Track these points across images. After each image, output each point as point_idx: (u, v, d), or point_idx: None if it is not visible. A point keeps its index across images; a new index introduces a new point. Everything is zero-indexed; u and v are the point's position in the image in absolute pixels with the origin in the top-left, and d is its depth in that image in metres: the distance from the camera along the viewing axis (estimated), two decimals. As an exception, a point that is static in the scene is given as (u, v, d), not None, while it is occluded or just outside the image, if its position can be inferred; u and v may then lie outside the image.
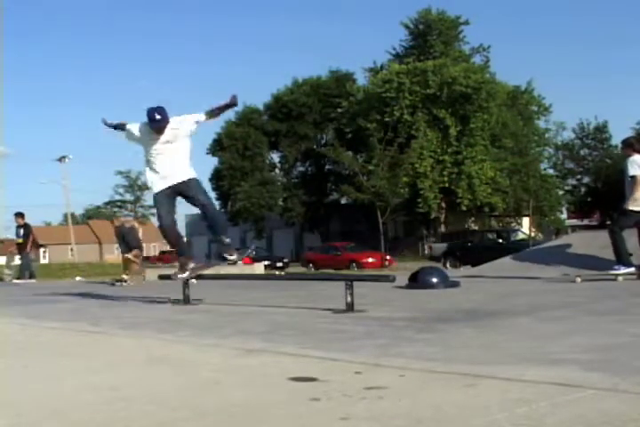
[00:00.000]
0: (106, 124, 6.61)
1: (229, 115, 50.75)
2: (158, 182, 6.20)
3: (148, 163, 6.25)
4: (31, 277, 14.71)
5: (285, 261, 37.15)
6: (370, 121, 39.91)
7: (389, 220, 38.24)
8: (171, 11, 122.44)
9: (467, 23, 44.93)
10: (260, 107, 48.76)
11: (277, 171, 50.19)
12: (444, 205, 40.74)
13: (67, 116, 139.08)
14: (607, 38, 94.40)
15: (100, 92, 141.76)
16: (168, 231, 6.32)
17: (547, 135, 44.50)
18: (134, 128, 6.27)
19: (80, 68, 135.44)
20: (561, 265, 9.08)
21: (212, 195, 49.90)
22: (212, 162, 49.47)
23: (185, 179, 6.20)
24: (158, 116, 6.00)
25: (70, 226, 60.25)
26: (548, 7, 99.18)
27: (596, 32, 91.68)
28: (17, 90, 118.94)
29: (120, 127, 6.48)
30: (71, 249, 59.07)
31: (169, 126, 6.07)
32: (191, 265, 6.42)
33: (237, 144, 46.36)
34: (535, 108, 43.85)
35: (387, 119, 39.31)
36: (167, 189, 6.18)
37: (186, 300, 6.31)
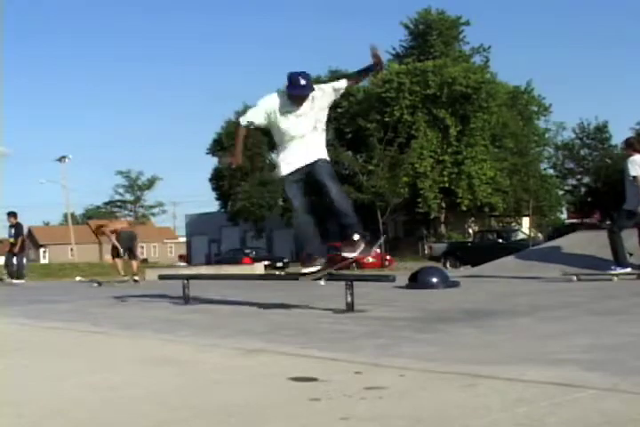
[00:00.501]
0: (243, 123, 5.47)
1: (229, 115, 50.84)
2: (291, 163, 5.29)
3: (282, 142, 5.34)
4: (19, 277, 14.63)
5: (285, 261, 37.17)
6: (370, 121, 39.92)
7: (389, 220, 38.24)
8: (170, 10, 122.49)
9: (467, 23, 44.98)
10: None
11: (277, 171, 50.19)
12: (444, 205, 40.74)
13: (67, 116, 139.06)
14: (607, 38, 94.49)
15: (101, 92, 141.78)
16: (304, 227, 5.47)
17: (547, 135, 44.52)
18: (263, 105, 5.29)
19: (80, 68, 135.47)
20: (561, 265, 9.08)
21: (213, 195, 50.04)
22: (212, 162, 49.55)
23: (318, 159, 5.28)
24: (303, 82, 5.12)
25: (70, 226, 60.28)
26: (549, 7, 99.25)
27: (596, 32, 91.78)
28: (17, 90, 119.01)
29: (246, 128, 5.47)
30: (71, 249, 59.10)
31: (311, 96, 5.20)
32: (318, 265, 5.44)
33: (237, 144, 46.33)
34: (535, 108, 43.87)
35: (387, 119, 39.32)
36: (296, 171, 5.27)
37: (186, 300, 6.31)
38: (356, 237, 5.26)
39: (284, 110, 5.20)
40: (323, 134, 5.40)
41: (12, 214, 15.03)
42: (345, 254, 5.25)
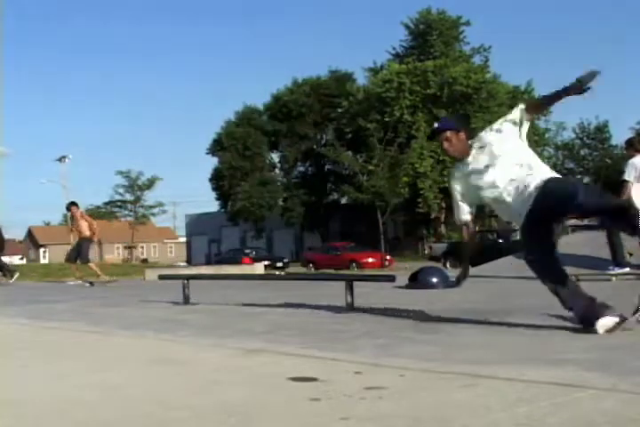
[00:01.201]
0: None
1: (229, 115, 50.89)
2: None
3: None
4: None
5: (285, 261, 37.14)
6: (370, 121, 39.90)
7: (389, 220, 38.23)
8: (170, 10, 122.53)
9: (467, 24, 44.94)
10: (260, 107, 48.79)
11: (277, 171, 50.18)
12: (444, 205, 40.72)
13: (67, 116, 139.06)
14: (607, 38, 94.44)
15: (101, 92, 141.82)
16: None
17: (547, 135, 44.50)
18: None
19: (80, 68, 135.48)
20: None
21: (212, 195, 50.04)
22: (212, 162, 49.51)
23: None
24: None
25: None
26: (549, 7, 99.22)
27: (597, 32, 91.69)
28: (17, 90, 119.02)
29: None
30: (71, 249, 59.02)
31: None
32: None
33: (237, 144, 46.34)
34: (535, 108, 43.81)
35: (387, 119, 39.29)
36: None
37: (186, 300, 6.30)
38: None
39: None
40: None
41: None
42: None
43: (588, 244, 9.37)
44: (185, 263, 50.48)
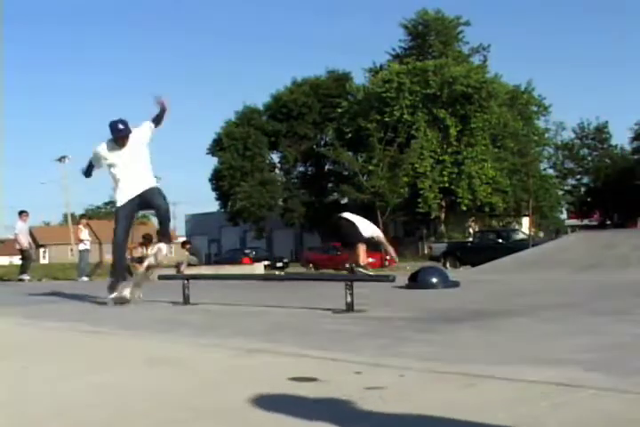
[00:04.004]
0: (84, 173, 6.96)
1: (229, 115, 50.84)
2: (125, 195, 6.50)
3: (116, 176, 6.53)
4: None
5: (285, 261, 37.13)
6: (370, 121, 39.87)
7: (389, 220, 38.21)
8: (169, 8, 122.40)
9: (467, 24, 44.92)
10: (260, 107, 48.79)
11: (277, 171, 50.18)
12: (444, 204, 40.73)
13: (67, 116, 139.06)
14: (607, 38, 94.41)
15: (101, 92, 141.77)
16: (118, 248, 6.66)
17: (546, 135, 44.50)
18: (99, 148, 6.57)
19: (81, 68, 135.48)
20: (560, 265, 9.08)
21: (212, 195, 49.98)
22: (212, 162, 49.48)
23: (149, 187, 6.50)
24: (121, 126, 6.39)
25: (70, 226, 60.24)
26: (549, 7, 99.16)
27: (597, 32, 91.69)
28: (17, 90, 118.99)
29: (90, 165, 6.85)
30: (71, 249, 59.04)
31: (131, 136, 6.43)
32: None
33: (237, 144, 46.33)
34: (535, 109, 43.84)
35: (387, 119, 39.27)
36: (132, 200, 6.47)
37: (186, 300, 6.30)
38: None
39: (114, 151, 6.47)
40: (149, 164, 6.59)
41: None
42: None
43: (587, 244, 9.38)
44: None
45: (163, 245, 6.84)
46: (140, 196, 6.47)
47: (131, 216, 6.81)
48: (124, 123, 6.47)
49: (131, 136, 6.46)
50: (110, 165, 6.54)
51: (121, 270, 6.79)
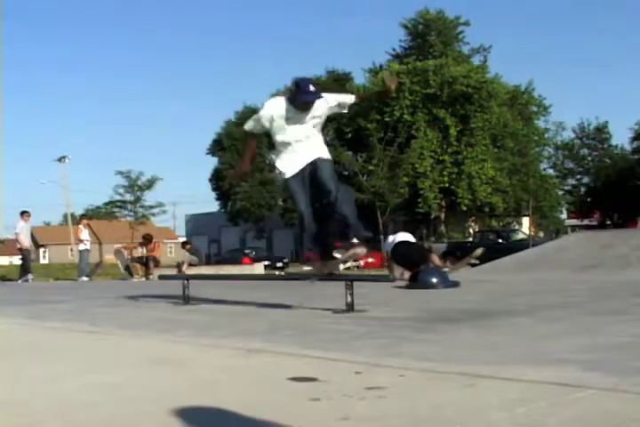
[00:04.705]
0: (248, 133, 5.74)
1: (229, 115, 50.86)
2: (292, 165, 5.25)
3: (282, 146, 5.31)
4: None
5: (285, 261, 37.15)
6: (370, 121, 39.88)
7: (389, 220, 38.21)
8: (171, 8, 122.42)
9: (467, 23, 44.92)
10: (260, 107, 48.76)
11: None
12: (444, 204, 40.73)
13: (67, 116, 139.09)
14: (607, 38, 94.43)
15: (101, 92, 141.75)
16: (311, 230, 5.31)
17: (547, 135, 44.50)
18: (274, 107, 5.25)
19: (81, 68, 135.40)
20: (560, 265, 9.08)
21: (212, 195, 50.05)
22: (212, 162, 49.53)
23: (325, 157, 5.25)
24: (312, 88, 5.10)
25: (70, 226, 60.21)
26: (549, 7, 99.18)
27: (597, 32, 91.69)
28: (17, 90, 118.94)
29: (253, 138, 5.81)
30: (71, 249, 59.02)
31: (318, 102, 5.14)
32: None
33: (237, 144, 46.35)
34: (535, 109, 43.85)
35: (387, 119, 39.29)
36: (303, 169, 5.22)
37: (186, 300, 6.30)
38: (355, 240, 5.17)
39: (287, 116, 5.15)
40: (320, 136, 5.39)
41: None
42: (335, 254, 5.21)
43: (587, 244, 9.37)
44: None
45: (360, 249, 5.32)
46: (311, 164, 5.19)
47: (306, 190, 5.29)
48: (316, 84, 5.20)
49: (317, 103, 5.15)
50: (278, 130, 5.26)
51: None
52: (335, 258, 5.29)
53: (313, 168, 5.18)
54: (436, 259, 9.91)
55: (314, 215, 5.29)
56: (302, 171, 5.22)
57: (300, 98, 5.08)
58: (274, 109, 5.21)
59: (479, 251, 11.53)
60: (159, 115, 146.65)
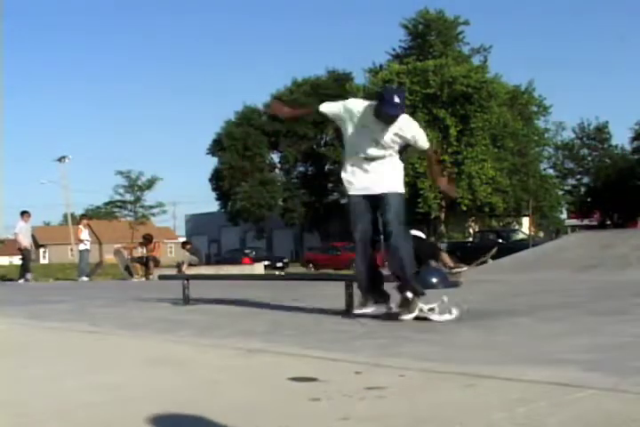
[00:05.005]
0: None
1: (229, 115, 50.84)
2: (359, 186, 4.72)
3: (353, 154, 4.74)
4: None
5: (285, 261, 37.14)
6: (370, 121, 39.87)
7: (389, 220, 38.18)
8: (171, 9, 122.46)
9: (466, 23, 44.91)
10: (260, 107, 48.77)
11: (277, 171, 50.19)
12: (443, 204, 40.73)
13: (67, 116, 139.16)
14: (607, 38, 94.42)
15: (101, 92, 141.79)
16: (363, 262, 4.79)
17: (547, 135, 44.50)
18: (354, 103, 4.74)
19: (81, 68, 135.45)
20: (560, 265, 9.07)
21: (212, 195, 50.04)
22: (212, 162, 49.53)
23: (391, 191, 4.67)
24: (398, 100, 4.54)
25: (70, 226, 60.22)
26: (549, 7, 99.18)
27: (597, 32, 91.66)
28: (17, 90, 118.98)
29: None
30: (71, 249, 59.02)
31: (399, 120, 4.63)
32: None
33: (237, 144, 46.35)
34: (535, 109, 43.84)
35: (387, 119, 39.28)
36: (367, 197, 4.71)
37: (186, 300, 6.30)
38: (409, 295, 4.56)
39: (365, 122, 4.61)
40: (397, 159, 4.80)
41: None
42: (402, 318, 4.51)
43: (587, 244, 9.37)
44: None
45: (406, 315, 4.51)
46: (380, 198, 4.63)
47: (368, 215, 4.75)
48: (403, 98, 4.72)
49: (398, 121, 4.62)
50: (353, 131, 4.69)
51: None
52: (390, 308, 4.74)
53: (381, 203, 4.65)
54: (446, 258, 9.81)
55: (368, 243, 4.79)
56: (369, 198, 4.69)
57: (382, 109, 4.51)
58: (358, 106, 4.68)
59: (494, 250, 11.80)
60: (159, 115, 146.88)
